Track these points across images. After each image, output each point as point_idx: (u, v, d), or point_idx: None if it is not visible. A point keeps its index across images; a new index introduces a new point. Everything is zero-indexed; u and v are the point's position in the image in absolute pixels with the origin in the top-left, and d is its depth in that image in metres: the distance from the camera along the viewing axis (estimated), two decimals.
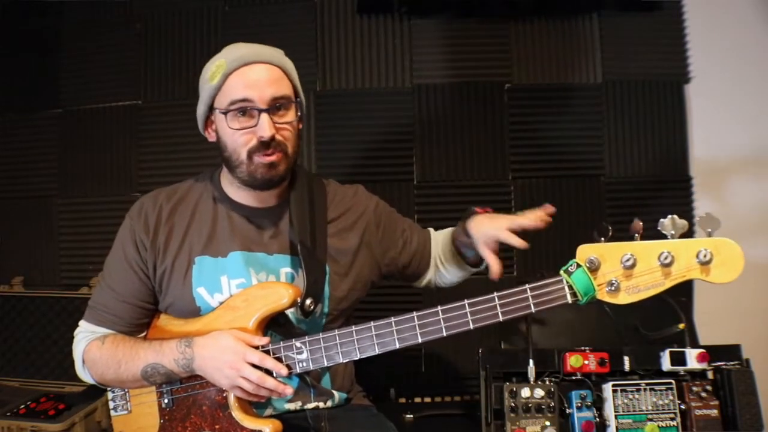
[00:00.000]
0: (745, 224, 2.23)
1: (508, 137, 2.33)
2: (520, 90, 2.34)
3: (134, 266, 1.37)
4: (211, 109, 1.35)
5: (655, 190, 2.33)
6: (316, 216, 1.41)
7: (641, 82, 2.34)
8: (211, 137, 1.40)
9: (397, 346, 1.20)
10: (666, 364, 1.44)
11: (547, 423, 1.39)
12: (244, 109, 1.29)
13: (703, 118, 2.33)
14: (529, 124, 2.33)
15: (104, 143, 2.42)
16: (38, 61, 2.47)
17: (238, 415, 1.27)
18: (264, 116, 1.28)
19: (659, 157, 2.34)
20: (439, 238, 1.55)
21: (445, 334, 1.17)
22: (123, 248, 1.39)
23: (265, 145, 1.29)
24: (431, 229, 1.59)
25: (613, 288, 1.12)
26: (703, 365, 1.42)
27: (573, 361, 1.43)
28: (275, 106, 1.30)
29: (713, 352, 1.46)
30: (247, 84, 1.28)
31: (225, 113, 1.30)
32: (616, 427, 1.39)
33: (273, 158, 1.30)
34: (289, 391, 1.24)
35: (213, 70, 1.33)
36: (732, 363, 1.47)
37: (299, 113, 1.36)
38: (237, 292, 1.33)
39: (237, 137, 1.30)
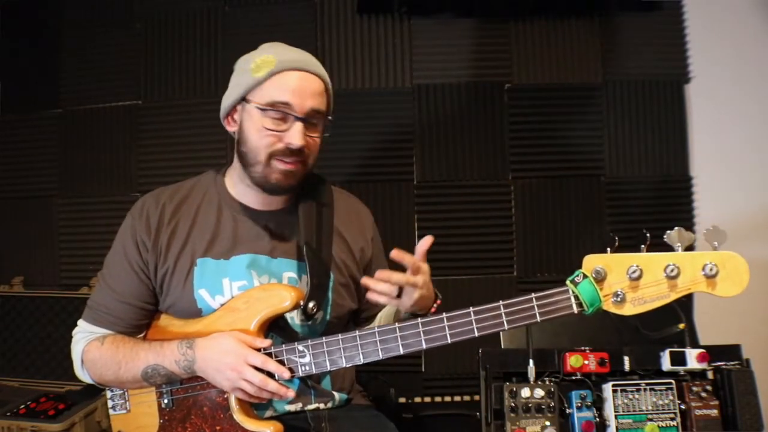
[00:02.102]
0: (745, 224, 2.23)
1: (508, 137, 2.33)
2: (520, 90, 2.34)
3: (135, 266, 1.36)
4: (241, 99, 1.33)
5: (655, 189, 2.34)
6: (323, 222, 1.41)
7: (641, 82, 2.34)
8: (230, 127, 1.38)
9: (401, 352, 1.19)
10: (666, 364, 1.44)
11: (547, 423, 1.39)
12: (280, 112, 1.28)
13: (703, 118, 2.33)
14: (529, 124, 2.34)
15: (104, 143, 2.42)
16: (38, 61, 2.47)
17: (239, 416, 1.27)
18: (298, 125, 1.27)
19: (659, 157, 2.34)
20: None
21: (450, 341, 1.17)
22: (124, 248, 1.38)
23: (290, 153, 1.29)
24: None
25: (618, 299, 1.12)
26: (703, 365, 1.42)
27: (573, 361, 1.43)
28: (310, 119, 1.30)
29: (713, 352, 1.45)
30: (291, 89, 1.28)
31: (262, 110, 1.28)
32: (616, 427, 1.39)
33: (291, 167, 1.30)
34: (290, 394, 1.24)
35: (258, 62, 1.30)
36: (732, 363, 1.47)
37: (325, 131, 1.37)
38: (238, 293, 1.33)
39: (263, 136, 1.29)
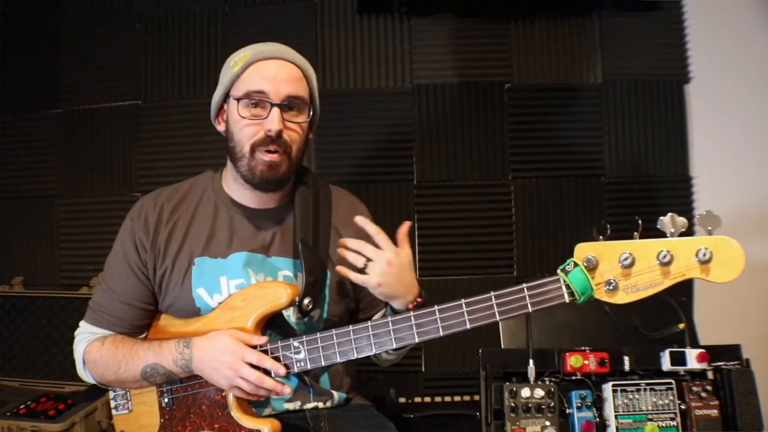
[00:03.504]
0: (745, 224, 2.23)
1: (508, 137, 2.33)
2: (520, 90, 2.34)
3: (134, 267, 1.37)
4: (226, 97, 1.36)
5: (655, 189, 2.34)
6: (321, 219, 1.41)
7: (641, 82, 2.34)
8: (220, 126, 1.41)
9: (394, 345, 1.20)
10: (666, 364, 1.43)
11: (547, 423, 1.39)
12: (257, 102, 1.30)
13: (703, 118, 2.33)
14: (529, 124, 2.34)
15: (104, 143, 2.42)
16: (38, 61, 2.47)
17: (237, 414, 1.27)
18: (275, 110, 1.28)
19: (659, 157, 2.34)
20: None
21: (442, 333, 1.17)
22: (123, 249, 1.38)
23: (271, 140, 1.29)
24: None
25: (611, 287, 1.10)
26: (703, 365, 1.42)
27: (573, 361, 1.43)
28: (288, 105, 1.31)
29: (713, 352, 1.45)
30: (265, 77, 1.30)
31: (238, 100, 1.31)
32: (616, 427, 1.39)
33: (275, 157, 1.30)
34: (287, 390, 1.24)
35: (236, 59, 1.35)
36: (732, 363, 1.47)
37: (311, 117, 1.37)
38: (236, 291, 1.33)
39: (243, 126, 1.30)
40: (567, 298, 1.12)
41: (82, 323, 1.42)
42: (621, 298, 1.11)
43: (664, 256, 1.08)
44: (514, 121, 2.33)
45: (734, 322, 1.90)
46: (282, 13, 2.36)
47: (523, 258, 2.31)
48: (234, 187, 1.41)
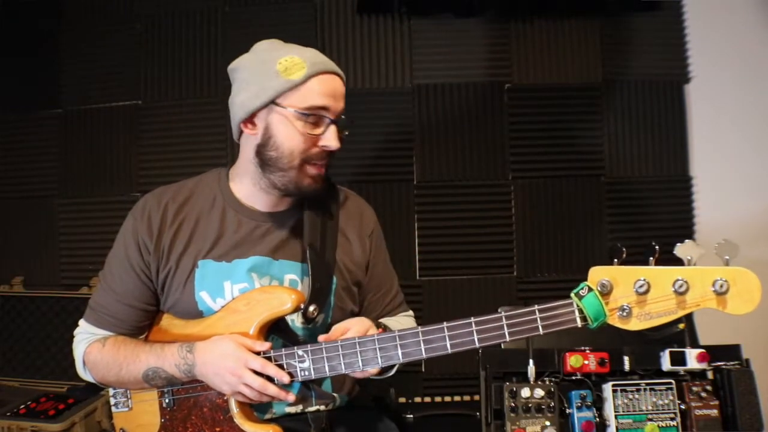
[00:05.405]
0: (745, 224, 2.23)
1: (508, 137, 2.33)
2: (520, 90, 2.34)
3: (136, 268, 1.34)
4: (270, 103, 1.26)
5: (655, 190, 2.34)
6: (329, 224, 1.39)
7: (641, 82, 2.34)
8: (251, 131, 1.30)
9: (401, 360, 1.18)
10: (666, 364, 1.43)
11: (547, 423, 1.39)
12: (318, 117, 1.26)
13: (703, 118, 2.34)
14: (529, 124, 2.34)
15: (104, 143, 2.42)
16: (38, 61, 2.48)
17: (238, 418, 1.26)
18: (333, 128, 1.27)
19: (659, 157, 2.34)
20: None
21: (450, 351, 1.15)
22: (125, 249, 1.35)
23: (326, 156, 1.29)
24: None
25: (624, 313, 1.08)
26: (703, 365, 1.42)
27: (573, 361, 1.43)
28: (337, 121, 1.30)
29: (713, 352, 1.45)
30: (328, 92, 1.26)
31: (303, 114, 1.25)
32: (616, 427, 1.39)
33: (323, 171, 1.31)
34: (291, 397, 1.22)
35: (287, 65, 1.25)
36: (732, 363, 1.47)
37: None
38: (239, 295, 1.32)
39: (301, 141, 1.26)
40: (579, 323, 1.10)
41: (81, 322, 1.40)
42: (634, 324, 1.09)
43: (680, 285, 1.06)
44: (514, 121, 2.34)
45: (734, 322, 1.89)
46: (282, 13, 2.36)
47: (523, 258, 2.31)
48: (245, 190, 1.37)
